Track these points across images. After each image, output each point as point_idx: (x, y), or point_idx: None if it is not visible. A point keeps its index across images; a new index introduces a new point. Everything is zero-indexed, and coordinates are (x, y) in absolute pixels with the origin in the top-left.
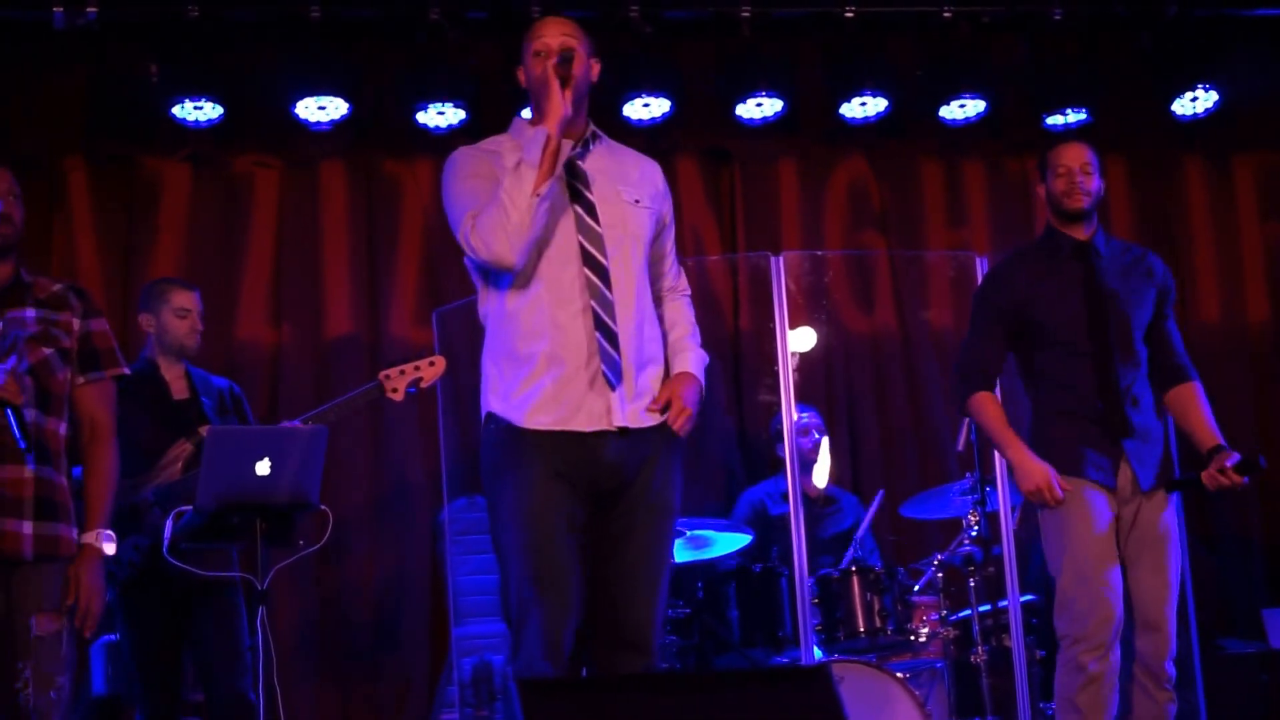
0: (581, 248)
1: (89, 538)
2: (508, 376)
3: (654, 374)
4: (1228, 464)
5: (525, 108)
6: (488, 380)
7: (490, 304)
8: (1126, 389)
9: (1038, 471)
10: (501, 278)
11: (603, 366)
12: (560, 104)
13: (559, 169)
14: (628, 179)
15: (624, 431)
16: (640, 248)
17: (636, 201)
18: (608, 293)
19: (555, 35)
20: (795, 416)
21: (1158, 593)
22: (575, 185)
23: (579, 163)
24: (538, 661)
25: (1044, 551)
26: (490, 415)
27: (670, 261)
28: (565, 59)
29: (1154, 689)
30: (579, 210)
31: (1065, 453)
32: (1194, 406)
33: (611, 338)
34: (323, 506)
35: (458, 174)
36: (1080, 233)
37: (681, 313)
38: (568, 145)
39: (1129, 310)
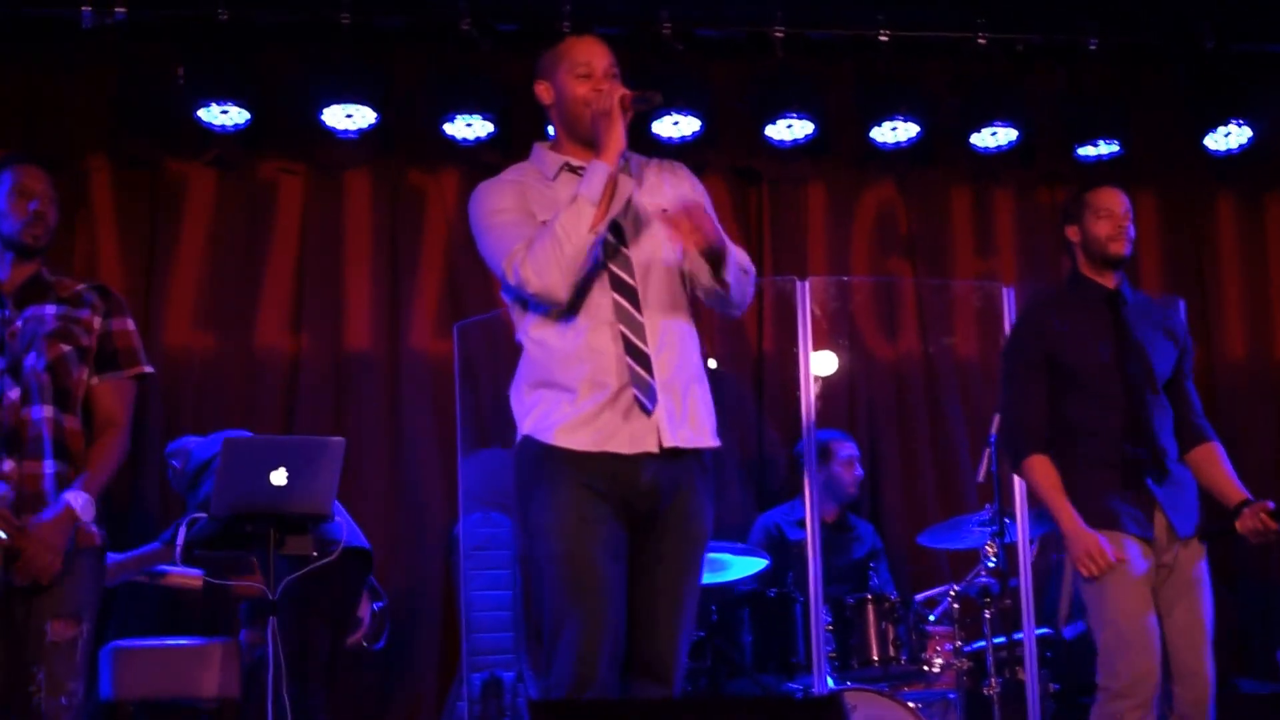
0: (610, 271)
1: (69, 494)
2: (547, 401)
3: (700, 393)
4: (1270, 507)
5: (549, 124)
6: (528, 406)
7: (527, 331)
8: (1158, 437)
9: (1088, 538)
10: (536, 306)
11: (635, 391)
12: (621, 138)
13: (617, 206)
14: (650, 190)
15: (665, 454)
16: (669, 254)
17: (665, 211)
18: (637, 315)
19: (602, 60)
20: (837, 446)
21: (1195, 639)
22: None
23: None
24: (569, 678)
25: (1084, 603)
26: (526, 438)
27: (728, 243)
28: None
29: None
30: (608, 235)
31: (1100, 507)
32: (1217, 465)
33: (644, 361)
34: (338, 520)
35: (491, 208)
36: (1109, 280)
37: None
38: (629, 183)
39: (1155, 361)
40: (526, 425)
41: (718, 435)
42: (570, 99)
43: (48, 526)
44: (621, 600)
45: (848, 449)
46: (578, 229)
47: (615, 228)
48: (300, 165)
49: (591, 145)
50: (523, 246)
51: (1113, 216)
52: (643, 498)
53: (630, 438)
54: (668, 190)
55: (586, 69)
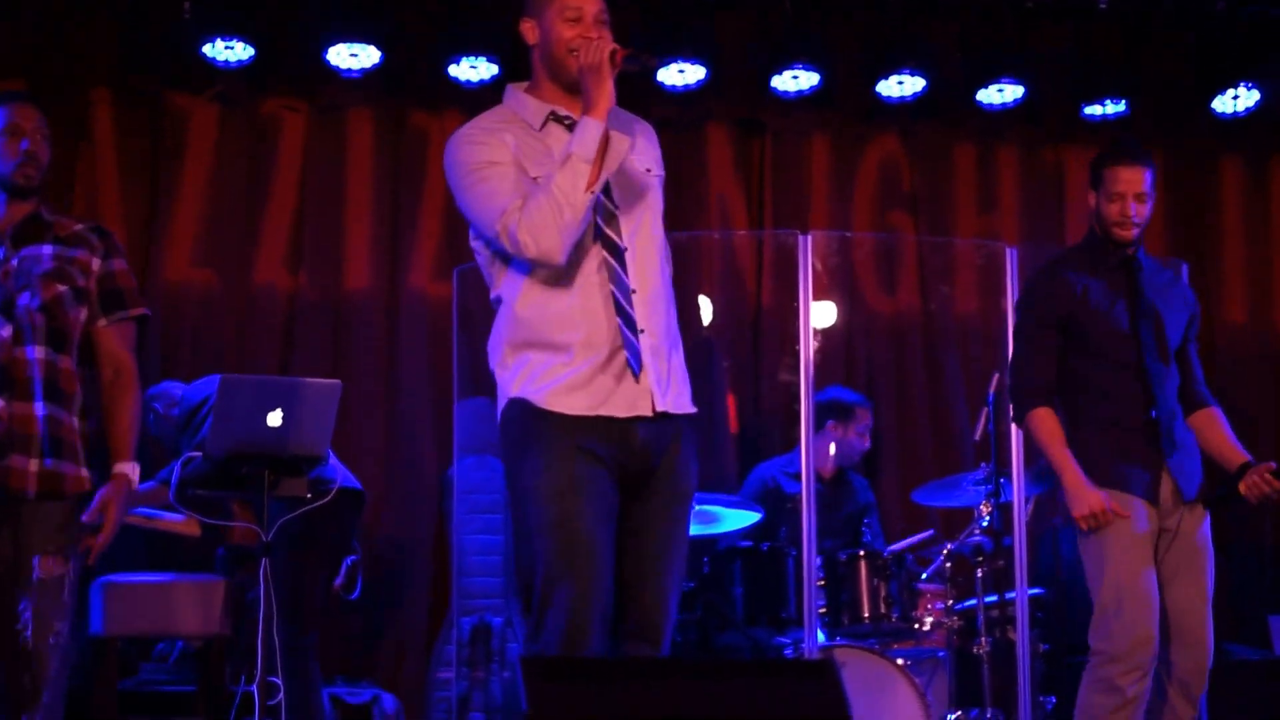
0: (599, 230)
1: (121, 467)
2: (537, 363)
3: (679, 359)
4: (1273, 467)
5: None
6: (514, 369)
7: (508, 290)
8: (1168, 403)
9: (1093, 497)
10: (525, 265)
11: (625, 353)
12: (611, 92)
13: (613, 163)
14: (638, 145)
15: (656, 416)
16: (659, 220)
17: (648, 170)
18: (624, 276)
19: (593, 3)
20: (861, 412)
21: (1197, 606)
22: None
23: None
24: (560, 642)
25: (1084, 565)
26: (513, 401)
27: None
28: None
29: (1180, 702)
30: (600, 194)
31: (1108, 467)
32: (1218, 429)
33: (631, 324)
34: (332, 462)
35: (478, 160)
36: (1126, 246)
37: None
38: (625, 140)
39: (1167, 326)
40: (515, 387)
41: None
42: (556, 41)
43: (113, 503)
44: (611, 565)
45: (867, 419)
46: (575, 189)
47: (605, 186)
48: (303, 103)
49: (574, 91)
50: (517, 207)
51: (1122, 200)
52: (635, 457)
53: (624, 401)
54: (649, 153)
55: (576, 13)
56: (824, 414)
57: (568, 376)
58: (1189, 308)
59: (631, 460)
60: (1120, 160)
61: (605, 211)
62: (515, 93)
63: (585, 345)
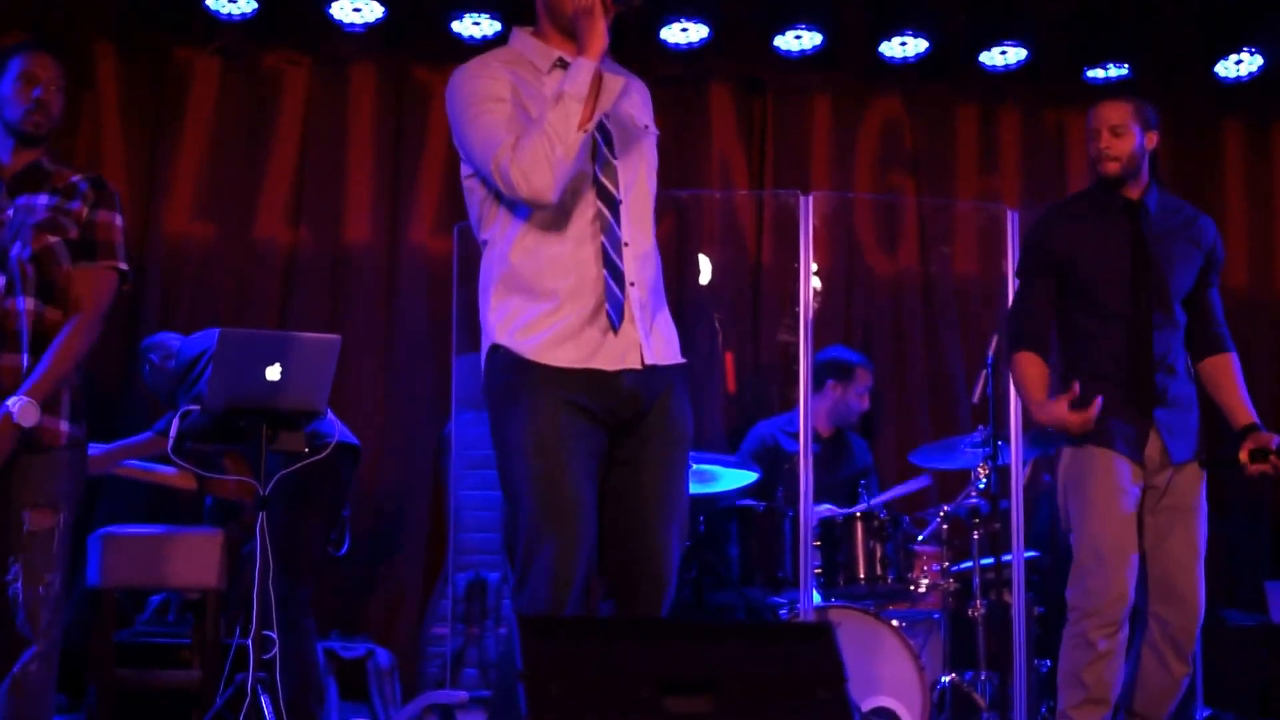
0: (596, 179)
1: (10, 401)
2: (526, 311)
3: (665, 315)
4: (1271, 445)
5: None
6: (500, 313)
7: (499, 231)
8: (1162, 357)
9: (1054, 407)
10: (520, 208)
11: (606, 305)
12: (604, 34)
13: (605, 102)
14: (634, 101)
15: (645, 368)
16: (653, 175)
17: (645, 127)
18: (617, 229)
19: None
20: (861, 373)
21: (1188, 565)
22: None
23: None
24: (544, 600)
25: (1068, 518)
26: (498, 347)
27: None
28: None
29: (1173, 660)
30: (597, 138)
31: (1095, 422)
32: (1229, 379)
33: (617, 275)
34: (329, 417)
35: (482, 94)
36: (1132, 190)
37: None
38: (618, 80)
39: (1172, 274)
40: (499, 333)
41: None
42: None
43: None
44: (594, 519)
45: (867, 380)
46: (568, 127)
47: (605, 135)
48: (305, 57)
49: (572, 35)
50: (510, 144)
51: (1098, 136)
52: (625, 405)
53: (613, 354)
54: (645, 106)
55: None
56: (824, 373)
57: (556, 327)
58: (1205, 248)
59: (621, 407)
60: (1098, 101)
61: (603, 161)
62: (521, 35)
63: (572, 294)
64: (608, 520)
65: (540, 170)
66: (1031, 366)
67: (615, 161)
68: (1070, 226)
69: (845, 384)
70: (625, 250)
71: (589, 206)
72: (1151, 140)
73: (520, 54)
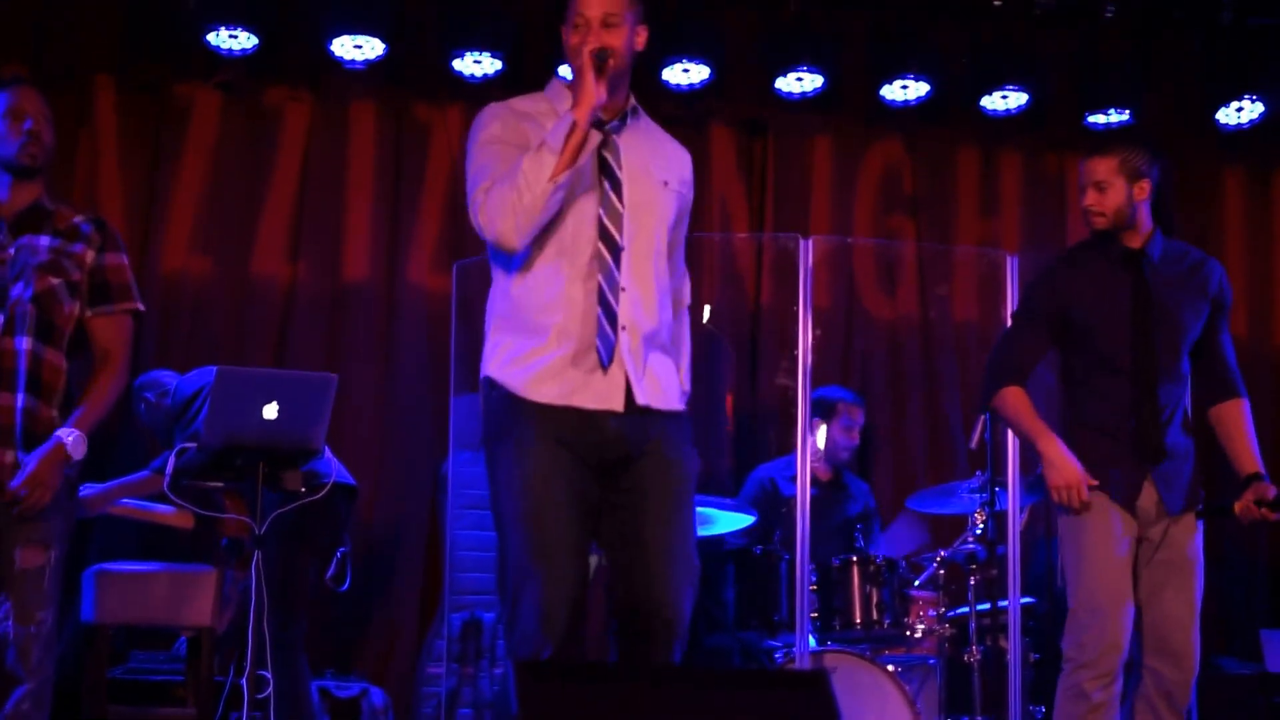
0: (600, 223)
1: (61, 432)
2: (516, 346)
3: (664, 361)
4: (1269, 496)
5: (563, 64)
6: (494, 346)
7: (503, 266)
8: (1165, 410)
9: (1070, 469)
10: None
11: (597, 343)
12: (592, 92)
13: (582, 159)
14: (660, 158)
15: (629, 411)
16: (664, 230)
17: (665, 183)
18: (616, 272)
19: (597, 8)
20: (845, 408)
21: (1183, 619)
22: (606, 159)
23: (614, 136)
24: (533, 636)
25: (1063, 567)
26: (490, 381)
27: (678, 257)
28: (601, 56)
29: (1166, 713)
30: (606, 186)
31: (1091, 469)
32: (1238, 426)
33: (611, 317)
34: (326, 456)
35: (484, 135)
36: (1132, 240)
37: (680, 332)
38: (596, 137)
39: (1177, 325)
40: (492, 365)
41: (684, 402)
42: (566, 48)
43: (41, 464)
44: (583, 554)
45: (854, 414)
46: (539, 178)
47: (615, 184)
48: (306, 94)
49: None
50: (486, 188)
51: (1083, 192)
52: (610, 446)
53: (595, 393)
54: (676, 171)
55: (581, 19)
56: (812, 412)
57: (543, 363)
58: (1211, 295)
59: (606, 448)
60: (1088, 154)
61: (611, 210)
62: (558, 85)
63: (561, 331)
64: (617, 564)
65: (505, 215)
66: (1019, 398)
67: (623, 210)
68: (1071, 277)
69: (829, 420)
70: (622, 294)
71: (589, 247)
72: (1142, 190)
73: (550, 101)
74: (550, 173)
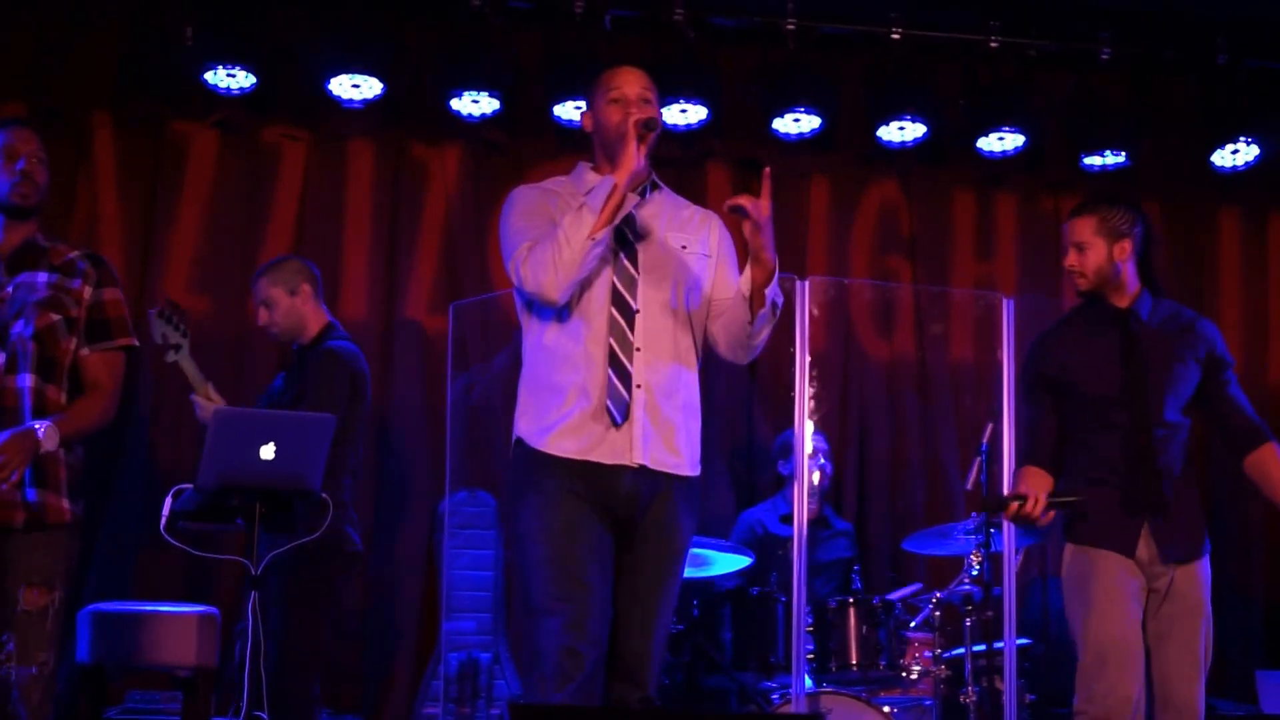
0: (613, 288)
1: (34, 422)
2: (540, 404)
3: (684, 425)
4: None
5: (557, 106)
6: (522, 407)
7: (532, 335)
8: (1158, 460)
9: (1030, 481)
10: (546, 311)
11: (608, 402)
12: (634, 158)
13: (618, 218)
14: (679, 226)
15: (642, 469)
16: (682, 292)
17: (684, 247)
18: (630, 334)
19: (634, 86)
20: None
21: (1188, 675)
22: (622, 229)
23: (632, 209)
24: (552, 669)
25: (1068, 622)
26: (519, 440)
27: (737, 306)
28: (650, 125)
29: None
30: (621, 253)
31: (1091, 524)
32: (1275, 469)
33: (624, 376)
34: (323, 495)
35: (518, 209)
36: (1120, 299)
37: None
38: (632, 198)
39: (1168, 382)
40: (519, 425)
41: (698, 465)
42: (605, 125)
43: (7, 441)
44: (607, 597)
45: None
46: (579, 234)
47: (630, 252)
48: (304, 132)
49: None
50: (528, 247)
51: (1065, 253)
52: (621, 504)
53: (610, 449)
54: (696, 234)
55: (619, 94)
56: (775, 453)
57: (564, 420)
58: (1203, 354)
59: (618, 507)
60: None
61: (625, 276)
62: (582, 167)
63: (578, 390)
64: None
65: (547, 269)
66: (1031, 475)
67: (638, 276)
68: (1059, 342)
69: (787, 459)
70: (636, 355)
71: (604, 311)
72: (1123, 250)
73: (572, 181)
74: (589, 230)
